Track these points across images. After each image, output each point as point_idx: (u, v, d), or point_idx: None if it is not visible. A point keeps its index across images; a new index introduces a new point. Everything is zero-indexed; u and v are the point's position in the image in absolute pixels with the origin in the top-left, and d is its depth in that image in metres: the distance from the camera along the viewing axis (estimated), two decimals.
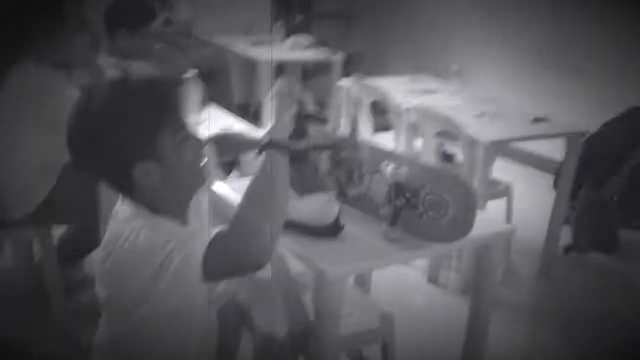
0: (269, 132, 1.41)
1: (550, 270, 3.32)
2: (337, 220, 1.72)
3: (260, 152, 1.37)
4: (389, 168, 1.70)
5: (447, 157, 3.33)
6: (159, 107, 1.31)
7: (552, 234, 3.31)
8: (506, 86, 4.85)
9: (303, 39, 4.82)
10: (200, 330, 1.43)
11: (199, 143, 1.40)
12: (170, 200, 1.37)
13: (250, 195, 1.31)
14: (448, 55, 5.17)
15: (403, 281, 3.10)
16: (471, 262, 3.03)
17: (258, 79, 5.17)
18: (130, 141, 1.28)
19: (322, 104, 5.62)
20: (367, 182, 1.85)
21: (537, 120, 3.21)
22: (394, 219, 1.73)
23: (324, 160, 1.90)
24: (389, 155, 1.79)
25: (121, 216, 1.39)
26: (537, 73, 4.75)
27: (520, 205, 3.44)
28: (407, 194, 1.71)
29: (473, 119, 3.14)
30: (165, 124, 1.30)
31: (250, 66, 5.46)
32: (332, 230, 1.71)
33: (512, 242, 3.32)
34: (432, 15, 5.57)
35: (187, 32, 4.68)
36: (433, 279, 3.16)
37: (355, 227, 1.77)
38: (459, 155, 3.12)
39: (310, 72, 5.93)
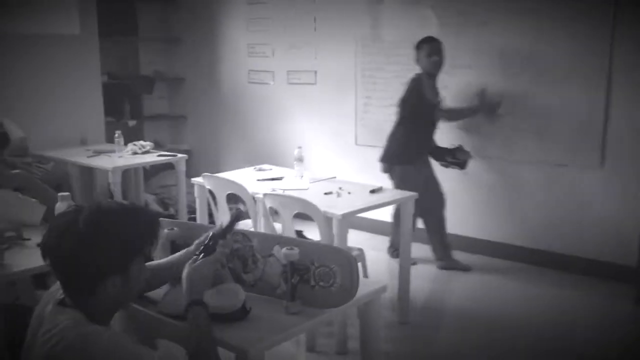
0: (188, 294, 1.78)
1: (408, 318, 3.77)
2: (244, 304, 1.95)
3: (186, 312, 1.74)
4: (283, 250, 1.98)
5: (300, 236, 3.70)
6: (151, 234, 1.64)
7: (403, 288, 3.77)
8: (335, 164, 5.42)
9: (142, 143, 5.00)
10: None
11: (147, 271, 1.71)
12: (110, 311, 1.61)
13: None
14: (286, 145, 5.66)
15: (285, 355, 3.32)
16: (343, 327, 3.39)
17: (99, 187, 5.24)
18: (119, 257, 1.56)
19: (165, 203, 5.78)
20: (262, 266, 2.11)
21: (373, 191, 3.71)
22: (292, 295, 2.01)
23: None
24: (279, 239, 2.09)
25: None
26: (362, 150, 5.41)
27: (371, 266, 3.88)
28: (300, 271, 2.01)
29: (322, 197, 3.56)
30: (146, 248, 1.63)
31: (90, 175, 5.51)
32: (241, 314, 1.94)
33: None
34: (276, 105, 6.06)
35: (23, 149, 4.64)
36: (311, 347, 3.43)
37: (258, 309, 2.01)
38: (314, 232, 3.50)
39: (149, 173, 6.08)
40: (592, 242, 4.37)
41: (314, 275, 2.01)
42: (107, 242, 1.54)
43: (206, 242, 1.99)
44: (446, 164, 4.58)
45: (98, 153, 4.93)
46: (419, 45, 4.43)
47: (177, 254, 2.06)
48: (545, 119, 4.43)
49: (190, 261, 1.94)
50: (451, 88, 4.79)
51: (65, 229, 1.54)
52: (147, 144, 5.02)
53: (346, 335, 3.44)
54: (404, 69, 5.00)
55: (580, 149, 4.33)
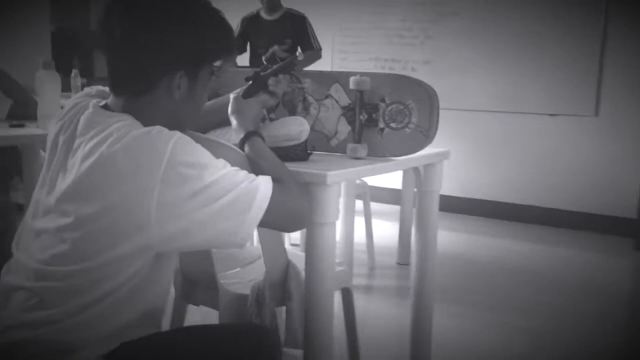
0: (242, 127, 1.44)
1: (408, 259, 3.46)
2: (305, 143, 1.59)
3: (242, 147, 1.40)
4: (352, 78, 1.64)
5: None
6: (231, 42, 1.30)
7: (404, 230, 3.47)
8: None
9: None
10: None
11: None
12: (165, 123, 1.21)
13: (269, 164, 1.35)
14: None
15: None
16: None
17: None
18: (194, 45, 1.21)
19: None
20: (315, 111, 1.75)
21: None
22: (359, 136, 1.66)
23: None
24: (339, 76, 1.73)
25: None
26: None
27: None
28: (368, 110, 1.66)
29: None
30: (221, 57, 1.28)
31: None
32: (303, 152, 1.57)
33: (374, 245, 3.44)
34: None
35: None
36: None
37: (316, 157, 1.65)
38: None
39: None
40: (588, 195, 4.22)
41: (384, 115, 1.68)
42: (188, 17, 1.20)
43: (257, 71, 1.62)
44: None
45: None
46: None
47: (223, 97, 1.67)
48: (538, 67, 4.28)
49: (235, 93, 1.57)
50: (436, 38, 4.59)
51: None
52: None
53: None
54: (387, 19, 4.78)
55: (574, 97, 4.20)
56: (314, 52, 4.19)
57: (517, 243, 4.06)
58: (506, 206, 4.49)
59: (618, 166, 4.11)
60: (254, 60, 4.26)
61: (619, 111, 4.09)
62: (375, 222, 3.65)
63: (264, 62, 4.07)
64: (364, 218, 3.37)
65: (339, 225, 3.19)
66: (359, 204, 3.29)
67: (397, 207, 3.64)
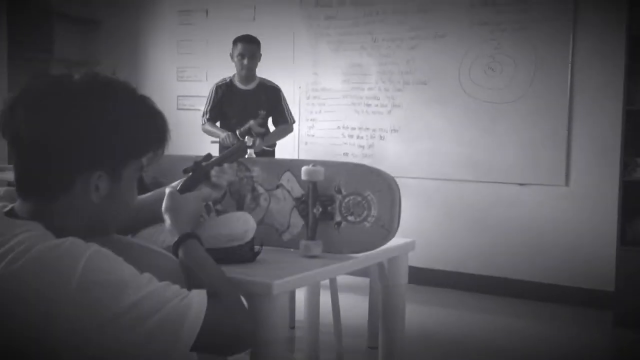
0: (175, 228, 1.28)
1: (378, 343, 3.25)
2: (252, 242, 1.42)
3: (175, 251, 1.24)
4: (303, 168, 1.49)
5: None
6: (163, 136, 1.14)
7: (374, 310, 3.28)
8: None
9: None
10: None
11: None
12: (83, 234, 1.04)
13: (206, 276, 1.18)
14: None
15: None
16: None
17: None
18: (115, 143, 1.06)
19: None
20: (266, 203, 1.60)
21: None
22: (313, 231, 1.50)
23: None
24: (290, 164, 1.59)
25: None
26: None
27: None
28: (324, 202, 1.51)
29: None
30: (149, 152, 1.13)
31: None
32: (249, 252, 1.41)
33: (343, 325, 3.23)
34: None
35: None
36: None
37: (264, 255, 1.48)
38: None
39: None
40: (562, 266, 4.07)
41: (340, 207, 1.53)
42: (103, 111, 1.04)
43: (197, 161, 1.46)
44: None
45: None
46: (235, 42, 4.03)
47: (159, 190, 1.50)
48: (507, 136, 4.21)
49: (170, 187, 1.40)
50: (404, 106, 4.52)
51: (53, 83, 1.05)
52: None
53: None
54: (355, 87, 4.71)
55: (543, 166, 4.11)
56: (286, 126, 4.10)
57: (490, 317, 3.87)
58: (477, 278, 4.33)
59: (592, 237, 4.00)
60: (225, 128, 4.11)
61: (590, 180, 4.01)
62: (343, 298, 3.45)
63: (239, 137, 3.91)
64: (330, 296, 3.16)
65: (302, 306, 3.03)
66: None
67: (366, 280, 3.45)
